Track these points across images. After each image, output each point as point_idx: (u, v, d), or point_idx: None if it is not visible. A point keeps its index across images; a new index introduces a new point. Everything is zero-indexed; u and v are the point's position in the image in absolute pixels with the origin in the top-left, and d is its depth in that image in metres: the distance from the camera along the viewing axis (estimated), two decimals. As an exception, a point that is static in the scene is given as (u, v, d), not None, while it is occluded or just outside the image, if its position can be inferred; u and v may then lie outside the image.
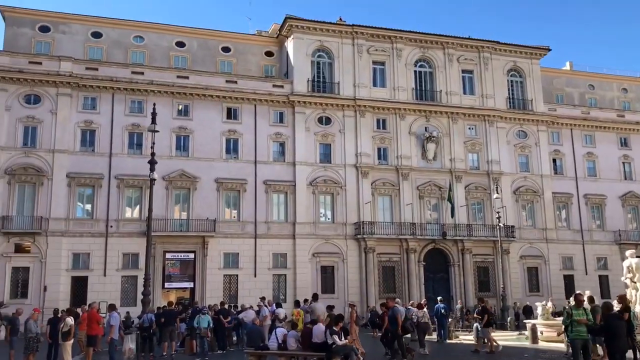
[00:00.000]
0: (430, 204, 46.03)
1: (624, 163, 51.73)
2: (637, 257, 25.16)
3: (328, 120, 44.82)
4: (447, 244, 44.54)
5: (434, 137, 46.08)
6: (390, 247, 43.56)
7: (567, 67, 60.27)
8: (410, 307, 23.62)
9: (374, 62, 47.08)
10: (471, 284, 44.38)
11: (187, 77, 42.37)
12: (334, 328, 14.38)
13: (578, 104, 55.21)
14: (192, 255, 40.07)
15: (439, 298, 27.56)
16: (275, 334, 15.93)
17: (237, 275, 40.58)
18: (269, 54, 48.99)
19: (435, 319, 26.70)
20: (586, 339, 13.59)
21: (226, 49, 47.91)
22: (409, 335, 20.92)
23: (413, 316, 21.89)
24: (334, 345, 14.21)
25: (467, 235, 44.50)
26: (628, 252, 25.76)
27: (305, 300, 27.18)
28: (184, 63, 46.50)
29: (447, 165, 46.43)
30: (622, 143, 52.10)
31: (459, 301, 40.63)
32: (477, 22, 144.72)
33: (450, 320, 28.75)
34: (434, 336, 27.29)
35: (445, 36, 48.59)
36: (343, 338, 14.74)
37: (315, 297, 24.07)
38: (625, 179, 51.46)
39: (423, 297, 39.28)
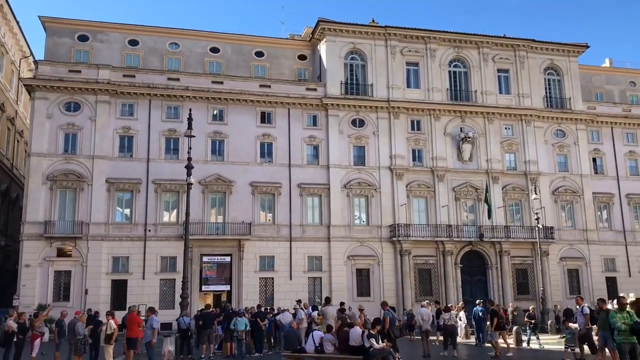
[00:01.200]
0: (466, 205, 45.46)
1: (668, 161, 50.14)
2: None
3: (362, 123, 44.71)
4: (484, 245, 43.89)
5: (469, 137, 45.50)
6: (426, 250, 43.17)
7: (607, 64, 58.75)
8: (423, 307, 23.41)
9: (408, 63, 46.78)
10: (509, 286, 43.61)
11: (221, 83, 42.87)
12: (372, 331, 14.31)
13: (618, 101, 53.77)
14: (228, 259, 40.47)
15: (477, 301, 27.13)
16: (312, 336, 15.95)
17: (272, 278, 40.80)
18: (302, 57, 49.18)
19: (474, 322, 26.33)
20: (634, 342, 13.22)
21: (260, 54, 48.29)
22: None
23: (441, 318, 21.70)
24: (371, 349, 14.14)
25: (504, 237, 43.75)
26: (674, 253, 24.98)
27: (342, 304, 27.12)
28: (218, 68, 47.04)
29: (483, 166, 45.78)
30: (666, 141, 50.53)
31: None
32: (513, 21, 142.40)
33: (488, 323, 28.24)
34: (473, 339, 26.95)
35: (480, 35, 47.96)
36: (380, 341, 14.66)
37: (327, 300, 24.09)
38: (670, 177, 49.87)
39: (460, 299, 38.91)
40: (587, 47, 50.47)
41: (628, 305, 15.90)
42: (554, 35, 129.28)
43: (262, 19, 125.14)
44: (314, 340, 15.65)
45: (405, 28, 46.57)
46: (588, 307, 18.63)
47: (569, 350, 19.06)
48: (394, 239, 42.35)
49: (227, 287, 40.22)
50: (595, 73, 56.25)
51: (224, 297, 40.15)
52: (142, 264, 38.52)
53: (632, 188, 48.70)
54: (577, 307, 18.84)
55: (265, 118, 43.24)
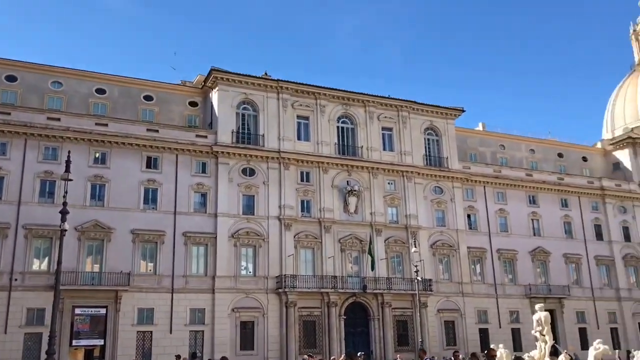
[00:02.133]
0: (351, 256, 46.40)
1: (532, 220, 54.57)
2: (545, 310, 26.36)
3: (252, 172, 44.75)
4: (367, 297, 44.77)
5: (355, 190, 46.96)
6: (311, 301, 43.22)
7: (480, 127, 63.61)
8: None
9: (299, 117, 47.87)
10: (390, 337, 44.55)
11: (106, 125, 41.28)
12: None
13: (490, 162, 58.14)
14: (103, 311, 38.02)
15: (359, 354, 27.34)
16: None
17: (151, 332, 38.78)
18: (193, 104, 48.77)
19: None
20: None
21: (149, 98, 47.28)
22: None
23: None
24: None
25: (386, 289, 44.96)
26: (537, 306, 26.83)
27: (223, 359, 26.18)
28: (103, 110, 45.35)
29: (367, 219, 47.22)
30: (530, 201, 55.10)
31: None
32: (397, 82, 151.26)
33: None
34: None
35: (367, 95, 50.30)
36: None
37: (193, 356, 23.37)
38: (534, 235, 54.19)
39: (343, 352, 39.00)
40: (463, 111, 54.49)
41: (496, 357, 16.85)
42: (435, 98, 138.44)
43: (153, 64, 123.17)
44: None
45: (296, 83, 47.84)
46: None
47: None
48: (280, 290, 42.07)
49: (101, 342, 37.62)
50: (470, 135, 60.64)
51: (96, 353, 37.43)
52: (4, 317, 35.13)
53: (502, 244, 52.30)
54: None
55: (151, 163, 42.00)
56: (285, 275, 42.38)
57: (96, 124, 41.03)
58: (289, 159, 45.70)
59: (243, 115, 46.36)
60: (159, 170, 42.03)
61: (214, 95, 46.13)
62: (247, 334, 41.33)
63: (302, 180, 46.29)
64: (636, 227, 58.87)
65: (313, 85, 48.50)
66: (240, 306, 41.38)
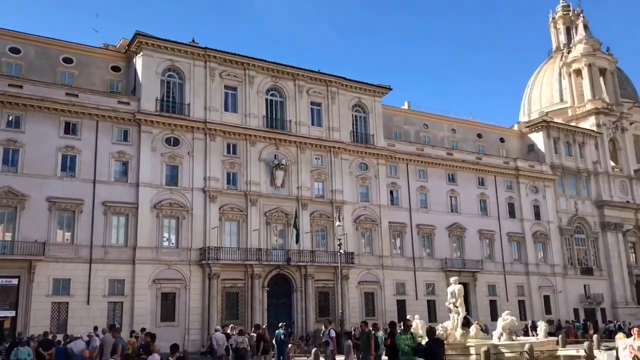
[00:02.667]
0: (276, 230, 46.69)
1: (451, 197, 56.78)
2: (459, 283, 27.73)
3: (176, 142, 43.81)
4: (291, 269, 45.34)
5: (282, 165, 47.05)
6: (235, 273, 43.30)
7: (406, 106, 65.13)
8: (217, 332, 23.48)
9: (226, 87, 47.15)
10: (312, 309, 45.48)
11: (20, 86, 39.06)
12: (170, 358, 13.92)
13: (414, 141, 59.75)
14: (15, 281, 36.46)
15: (280, 324, 27.79)
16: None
17: (67, 303, 37.62)
18: (115, 69, 46.92)
19: (275, 345, 26.90)
20: (414, 362, 14.56)
21: (68, 60, 45.04)
22: None
23: (232, 342, 21.77)
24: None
25: (310, 261, 45.70)
26: (452, 279, 28.19)
27: (143, 330, 25.96)
28: (18, 71, 42.82)
29: (294, 193, 47.53)
30: (450, 179, 57.23)
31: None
32: (327, 58, 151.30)
33: (290, 345, 29.09)
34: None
35: (296, 68, 50.17)
36: (179, 368, 14.30)
37: (111, 327, 23.11)
38: (452, 211, 56.46)
39: (265, 322, 39.49)
40: (390, 89, 55.49)
41: (412, 327, 17.66)
42: (362, 76, 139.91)
43: (74, 25, 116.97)
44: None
45: (225, 52, 46.96)
46: (333, 329, 20.48)
47: None
48: (203, 262, 41.82)
49: (12, 313, 36.12)
50: (396, 114, 62.00)
51: (7, 324, 35.96)
52: None
53: (422, 219, 54.19)
54: (324, 329, 20.21)
55: (69, 129, 40.25)
56: (209, 247, 42.12)
57: (9, 85, 38.71)
58: (215, 130, 45.05)
59: (168, 82, 45.13)
60: (78, 136, 40.36)
61: (138, 61, 44.54)
62: (168, 306, 40.94)
63: (228, 152, 45.82)
64: (546, 206, 62.56)
65: (242, 56, 47.78)
66: (162, 277, 40.85)
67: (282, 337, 25.99)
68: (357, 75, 53.67)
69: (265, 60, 48.80)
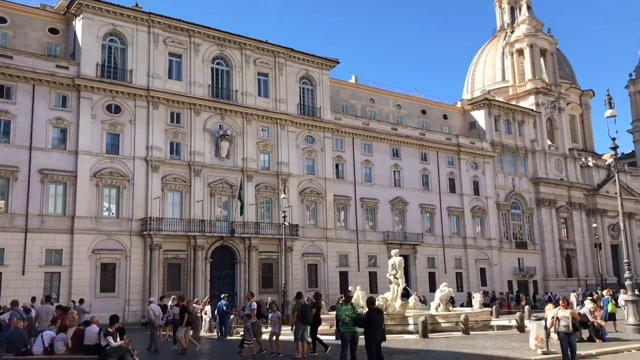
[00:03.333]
0: (220, 201, 46.33)
1: (394, 171, 57.73)
2: (400, 256, 28.52)
3: (118, 109, 42.53)
4: (234, 241, 45.24)
5: (228, 135, 46.49)
6: (177, 244, 42.85)
7: (353, 80, 65.30)
8: (152, 303, 23.17)
9: (171, 54, 45.92)
10: (256, 280, 45.68)
11: (-52, 45, 36.80)
12: (109, 329, 13.76)
13: (360, 115, 60.11)
14: (-56, 251, 34.88)
15: (222, 295, 27.87)
16: (42, 336, 14.68)
17: (1, 273, 36.32)
18: (53, 31, 44.81)
19: (217, 316, 26.99)
20: (354, 331, 14.91)
21: (1, 20, 42.66)
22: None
23: (169, 313, 21.60)
24: (107, 348, 13.59)
25: (254, 233, 45.70)
26: (393, 252, 29.02)
27: (81, 301, 25.48)
28: (-55, 28, 40.28)
29: (239, 164, 47.17)
30: (394, 153, 58.10)
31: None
32: (275, 29, 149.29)
33: (232, 317, 29.26)
34: (215, 333, 27.59)
35: (244, 37, 49.32)
36: (119, 339, 14.17)
37: (47, 298, 22.73)
38: (395, 185, 57.48)
39: (208, 293, 39.46)
40: (338, 62, 55.42)
41: (353, 299, 18.05)
42: (310, 48, 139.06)
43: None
44: (43, 341, 14.43)
45: (169, 18, 45.61)
46: (256, 302, 20.86)
47: (246, 345, 19.12)
48: (144, 232, 41.14)
49: (-59, 284, 34.63)
50: (343, 87, 62.12)
51: None
52: None
53: (365, 193, 54.97)
54: (247, 301, 20.55)
55: (3, 92, 38.40)
56: (150, 217, 41.43)
57: (-64, 43, 36.44)
58: (158, 97, 43.94)
59: (110, 47, 43.53)
60: (12, 100, 38.54)
61: (78, 24, 42.66)
62: (107, 276, 40.19)
63: (172, 121, 44.87)
64: (485, 182, 64.59)
65: (187, 22, 46.52)
66: (101, 248, 39.98)
67: (225, 308, 26.11)
68: (305, 48, 53.43)
69: (211, 28, 47.70)
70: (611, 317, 24.96)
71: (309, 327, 18.27)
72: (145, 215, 41.59)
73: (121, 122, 42.37)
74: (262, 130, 49.50)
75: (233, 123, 47.64)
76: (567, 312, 15.27)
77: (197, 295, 39.47)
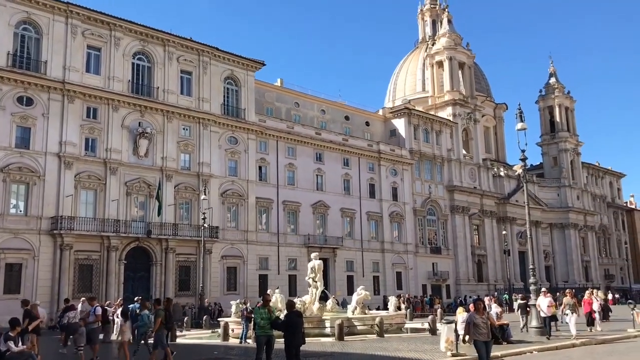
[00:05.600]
0: (137, 201, 44.94)
1: (317, 175, 58.25)
2: (319, 259, 28.78)
3: (30, 102, 40.37)
4: (151, 242, 44.02)
5: (147, 133, 45.22)
6: (90, 245, 41.17)
7: (279, 83, 65.38)
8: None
9: (89, 47, 44.14)
10: (172, 282, 44.62)
11: None
12: (10, 333, 13.01)
13: (284, 118, 60.27)
14: None
15: (136, 298, 27.00)
16: None
17: None
18: (-41, 14, 41.91)
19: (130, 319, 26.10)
20: (270, 334, 14.86)
21: None
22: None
23: (65, 316, 20.51)
24: (7, 353, 12.84)
25: (172, 234, 44.64)
26: (312, 255, 29.21)
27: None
28: None
29: (158, 163, 45.97)
30: (317, 158, 58.60)
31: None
32: (201, 27, 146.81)
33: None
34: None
35: (167, 33, 48.19)
36: (21, 344, 13.43)
37: None
38: (317, 189, 58.00)
39: (121, 295, 38.14)
40: (264, 64, 55.26)
41: (271, 302, 18.00)
42: (236, 48, 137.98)
43: None
44: None
45: (89, 9, 43.82)
46: (100, 306, 20.25)
47: (79, 352, 17.62)
48: (55, 232, 39.22)
49: None
50: (268, 90, 62.06)
51: None
52: None
53: (288, 196, 55.09)
54: (89, 307, 19.82)
55: None
56: (61, 216, 39.56)
57: None
58: (74, 91, 42.10)
59: (23, 36, 41.28)
60: None
61: (-12, 9, 40.15)
62: (13, 277, 37.96)
63: (88, 116, 43.11)
64: (403, 188, 66.41)
65: (109, 15, 44.89)
66: (7, 247, 37.74)
67: (137, 311, 25.30)
68: (231, 49, 52.74)
69: (134, 23, 46.26)
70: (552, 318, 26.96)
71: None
72: (56, 213, 39.68)
73: (33, 115, 40.24)
74: (184, 129, 48.51)
75: (153, 121, 46.39)
76: (485, 318, 13.89)
77: (109, 297, 38.03)
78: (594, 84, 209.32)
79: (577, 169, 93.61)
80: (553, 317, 24.51)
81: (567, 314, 24.56)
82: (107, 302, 30.96)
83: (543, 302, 24.07)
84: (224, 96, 52.18)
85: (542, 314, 23.86)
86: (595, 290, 33.35)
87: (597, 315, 27.42)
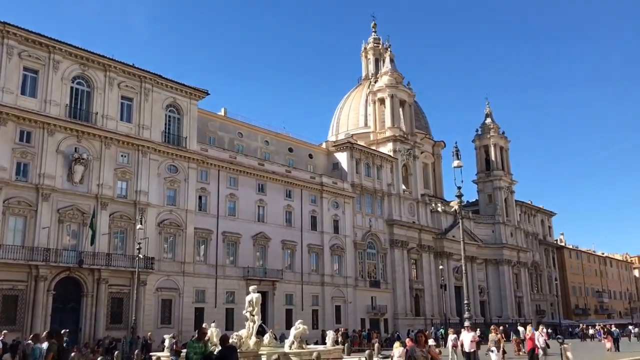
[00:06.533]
0: (70, 229, 43.18)
1: (259, 206, 57.81)
2: (258, 292, 28.30)
3: (-43, 122, 38.44)
4: (82, 272, 42.23)
5: (83, 159, 43.83)
6: (16, 274, 39.11)
7: (222, 112, 65.02)
8: None
9: (26, 69, 42.73)
10: (103, 315, 42.79)
11: None
12: None
13: (227, 148, 59.80)
14: None
15: (63, 331, 25.70)
16: None
17: None
18: None
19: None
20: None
21: None
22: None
23: None
24: None
25: (105, 265, 43.01)
26: (251, 288, 28.68)
27: None
28: None
29: (94, 191, 44.50)
30: (259, 189, 58.26)
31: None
32: (143, 54, 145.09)
33: (73, 354, 27.10)
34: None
35: (109, 58, 47.28)
36: None
37: None
38: (259, 220, 57.50)
39: (48, 328, 36.18)
40: (208, 93, 54.91)
41: (207, 336, 17.52)
42: (179, 76, 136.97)
43: None
44: None
45: (27, 30, 42.53)
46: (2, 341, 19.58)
47: None
48: (-23, 260, 37.04)
49: None
50: (212, 119, 61.58)
51: None
52: None
53: (228, 227, 54.30)
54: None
55: None
56: (-14, 243, 37.49)
57: None
58: (7, 113, 40.47)
59: (-46, 54, 39.53)
60: None
61: None
62: None
63: (21, 139, 41.45)
64: (344, 221, 66.81)
65: (48, 37, 43.70)
66: None
67: (65, 345, 24.09)
68: (175, 77, 52.07)
69: (74, 46, 45.19)
70: None
71: None
72: (-20, 241, 37.56)
73: (-41, 136, 38.30)
74: (122, 156, 47.30)
75: (90, 146, 45.05)
76: (426, 352, 13.25)
77: (35, 330, 35.97)
78: (528, 126, 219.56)
79: (511, 206, 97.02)
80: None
81: (492, 351, 24.85)
82: (32, 334, 29.31)
83: (466, 338, 24.22)
84: (166, 124, 51.38)
85: (466, 349, 24.00)
86: (541, 327, 34.16)
87: (540, 352, 27.97)
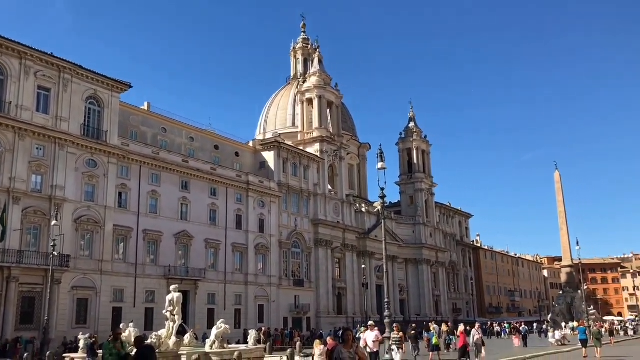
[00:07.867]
0: (-23, 224, 40.63)
1: (182, 204, 56.64)
2: (180, 291, 27.78)
3: None
4: (-10, 271, 39.85)
5: (-6, 151, 41.36)
6: None
7: (145, 107, 63.22)
8: None
9: None
10: (12, 315, 40.58)
11: None
12: None
13: (150, 143, 58.16)
14: None
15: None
16: None
17: None
18: None
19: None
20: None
21: None
22: None
23: None
24: None
25: (16, 262, 40.81)
26: (172, 287, 28.13)
27: None
28: None
29: (5, 184, 42.13)
30: (183, 186, 57.10)
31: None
32: (64, 44, 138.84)
33: None
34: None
35: (25, 46, 44.86)
36: None
37: None
38: (182, 219, 56.32)
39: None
40: (131, 86, 53.13)
41: (124, 336, 17.07)
42: (101, 67, 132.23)
43: None
44: None
45: None
46: None
47: None
48: None
49: None
50: (134, 113, 59.73)
51: None
52: None
53: (149, 225, 52.83)
54: None
55: None
56: None
57: None
58: None
59: None
60: None
61: None
62: None
63: None
64: (270, 221, 66.71)
65: (-44, 19, 40.99)
66: None
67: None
68: (97, 68, 49.84)
69: (-14, 31, 42.58)
70: (435, 348, 32.48)
71: None
72: None
73: None
74: (37, 148, 45.04)
75: (2, 137, 42.62)
76: (353, 353, 11.68)
77: None
78: (449, 131, 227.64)
79: (431, 208, 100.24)
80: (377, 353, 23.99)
81: (393, 350, 24.91)
82: None
83: (369, 337, 23.77)
84: (85, 116, 49.32)
85: (368, 349, 23.23)
86: (477, 324, 35.43)
87: (474, 349, 29.06)
